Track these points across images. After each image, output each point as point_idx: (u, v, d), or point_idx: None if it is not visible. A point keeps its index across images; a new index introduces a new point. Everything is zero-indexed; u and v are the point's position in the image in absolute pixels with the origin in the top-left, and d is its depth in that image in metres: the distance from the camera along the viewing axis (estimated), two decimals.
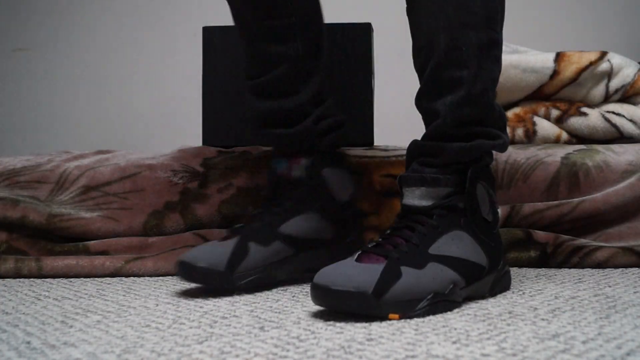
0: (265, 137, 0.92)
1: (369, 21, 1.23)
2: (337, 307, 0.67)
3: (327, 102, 0.93)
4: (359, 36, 1.21)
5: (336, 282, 0.66)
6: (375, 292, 0.65)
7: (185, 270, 0.79)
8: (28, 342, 0.58)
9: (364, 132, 1.22)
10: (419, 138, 0.82)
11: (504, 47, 1.38)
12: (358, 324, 0.62)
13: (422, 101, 0.80)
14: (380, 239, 0.74)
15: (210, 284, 0.78)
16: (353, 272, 0.67)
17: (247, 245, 0.80)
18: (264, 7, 0.86)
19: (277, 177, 0.88)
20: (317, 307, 0.71)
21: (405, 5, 0.82)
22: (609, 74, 1.30)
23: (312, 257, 0.87)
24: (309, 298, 0.78)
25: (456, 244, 0.75)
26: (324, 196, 0.88)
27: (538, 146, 1.19)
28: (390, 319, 0.65)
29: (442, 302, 0.69)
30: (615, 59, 1.31)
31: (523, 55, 1.33)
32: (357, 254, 0.71)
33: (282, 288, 0.86)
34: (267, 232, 0.83)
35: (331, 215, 0.89)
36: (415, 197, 0.76)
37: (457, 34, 0.76)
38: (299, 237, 0.85)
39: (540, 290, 0.80)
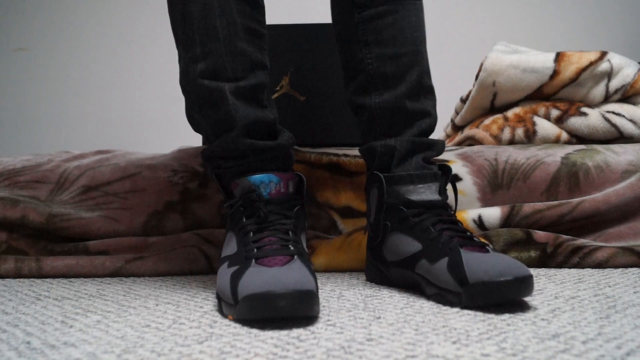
0: (250, 146, 0.82)
1: None
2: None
3: None
4: None
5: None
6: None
7: (266, 302, 0.61)
8: (28, 342, 0.58)
9: None
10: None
11: (504, 47, 1.39)
12: (358, 324, 0.62)
13: (404, 100, 0.88)
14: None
15: (299, 310, 0.62)
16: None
17: (310, 268, 0.71)
18: (250, 6, 0.85)
19: (270, 193, 0.79)
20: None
21: (382, 7, 0.88)
22: (609, 74, 1.30)
23: None
24: None
25: None
26: (306, 215, 0.85)
27: (538, 146, 1.19)
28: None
29: None
30: (615, 59, 1.31)
31: (523, 55, 1.33)
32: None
33: None
34: (306, 253, 0.77)
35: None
36: (433, 192, 0.84)
37: (426, 49, 0.90)
38: None
39: (540, 290, 0.80)
